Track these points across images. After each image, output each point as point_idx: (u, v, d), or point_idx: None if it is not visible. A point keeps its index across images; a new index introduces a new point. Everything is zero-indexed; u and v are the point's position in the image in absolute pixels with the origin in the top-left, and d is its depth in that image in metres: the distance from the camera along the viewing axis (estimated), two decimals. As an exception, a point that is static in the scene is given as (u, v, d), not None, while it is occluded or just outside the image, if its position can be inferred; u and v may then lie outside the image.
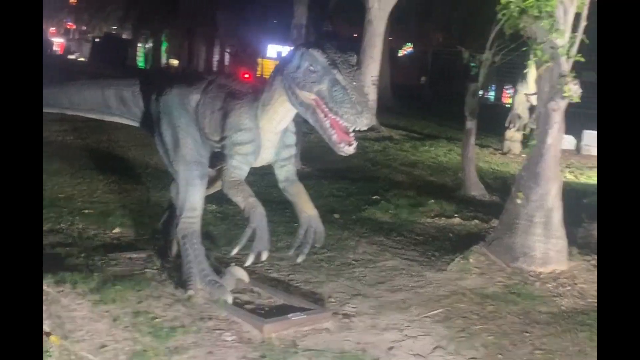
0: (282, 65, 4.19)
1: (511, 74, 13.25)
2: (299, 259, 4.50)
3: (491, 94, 30.81)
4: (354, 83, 3.84)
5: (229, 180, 4.39)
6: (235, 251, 4.33)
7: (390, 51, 25.91)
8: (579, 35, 5.81)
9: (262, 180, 7.11)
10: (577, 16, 5.85)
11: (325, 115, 3.92)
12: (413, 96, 26.55)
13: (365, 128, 3.87)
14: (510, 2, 5.74)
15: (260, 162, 4.52)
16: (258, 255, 4.27)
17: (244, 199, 4.31)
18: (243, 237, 4.28)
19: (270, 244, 4.37)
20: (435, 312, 4.84)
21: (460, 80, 9.77)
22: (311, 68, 3.92)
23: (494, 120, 14.41)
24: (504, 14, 5.98)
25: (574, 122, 14.18)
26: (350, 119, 3.79)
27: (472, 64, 9.19)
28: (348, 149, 3.93)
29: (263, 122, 4.35)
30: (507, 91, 26.77)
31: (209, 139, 4.61)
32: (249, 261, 4.30)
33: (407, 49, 38.59)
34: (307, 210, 4.54)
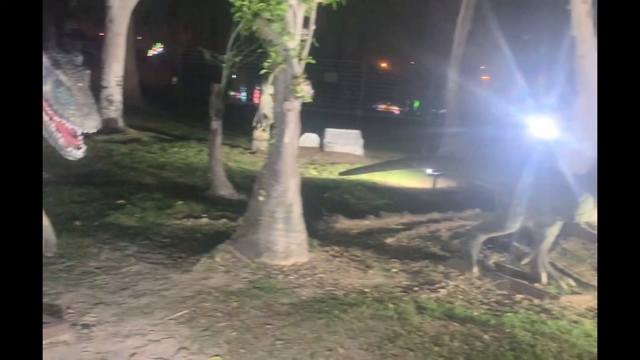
0: (-1, 65, 3.89)
1: (260, 75, 13.62)
2: None
3: (243, 95, 31.49)
4: (80, 84, 3.70)
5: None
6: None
7: (138, 51, 25.31)
8: (309, 38, 6.14)
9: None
10: (307, 20, 6.17)
11: (50, 119, 3.72)
12: (164, 97, 26.13)
13: (94, 131, 3.75)
14: (243, 4, 5.88)
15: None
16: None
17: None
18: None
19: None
20: (180, 313, 4.83)
21: (210, 81, 9.80)
22: (32, 68, 3.69)
23: (244, 121, 14.72)
24: (239, 17, 6.12)
25: (317, 121, 15.03)
26: (77, 122, 3.65)
27: (222, 65, 9.26)
28: (76, 153, 3.78)
29: (-20, 127, 4.01)
30: (258, 91, 27.49)
31: None
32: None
33: (157, 49, 38.02)
34: None
